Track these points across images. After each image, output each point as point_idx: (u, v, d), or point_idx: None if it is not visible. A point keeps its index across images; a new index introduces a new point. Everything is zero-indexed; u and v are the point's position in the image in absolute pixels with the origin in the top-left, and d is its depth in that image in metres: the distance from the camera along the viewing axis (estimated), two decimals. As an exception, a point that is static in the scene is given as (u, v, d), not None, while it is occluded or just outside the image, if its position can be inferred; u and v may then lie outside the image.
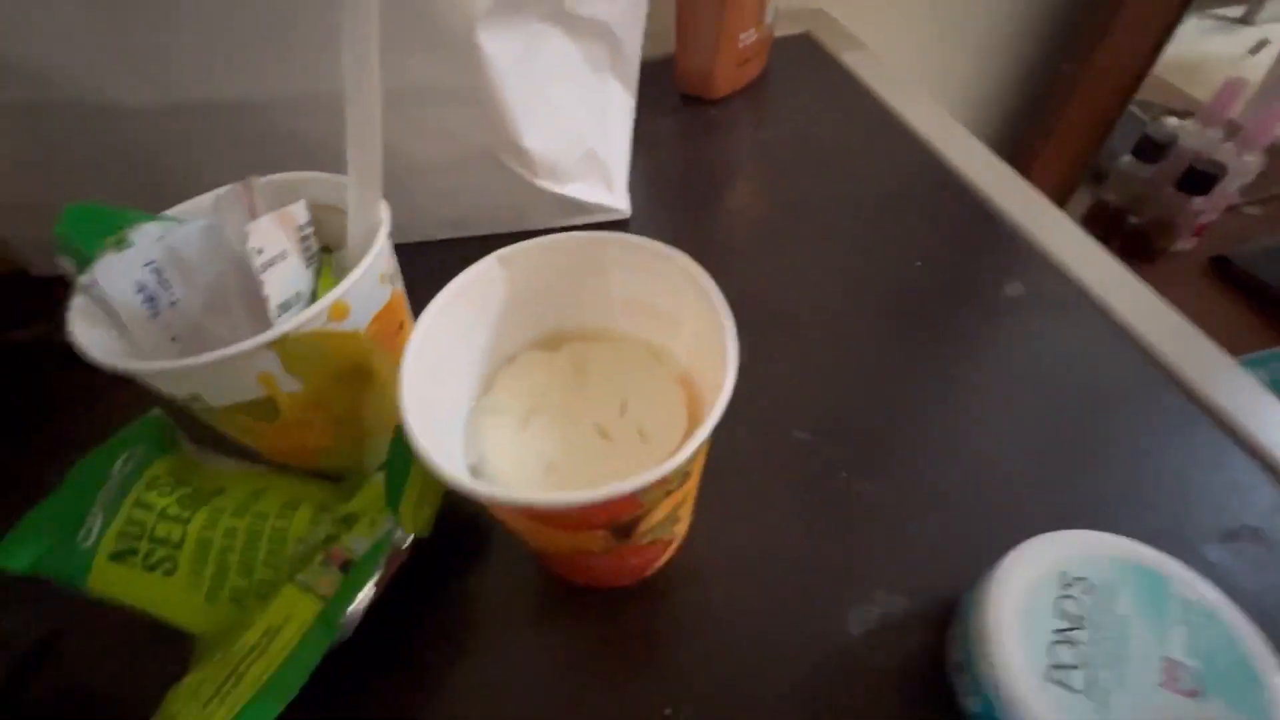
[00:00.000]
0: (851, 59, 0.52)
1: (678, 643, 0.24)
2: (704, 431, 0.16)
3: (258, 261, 0.21)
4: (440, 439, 0.19)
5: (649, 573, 0.25)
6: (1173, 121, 0.85)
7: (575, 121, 0.34)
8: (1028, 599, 0.20)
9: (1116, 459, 0.28)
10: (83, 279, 0.21)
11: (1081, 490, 0.27)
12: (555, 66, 0.31)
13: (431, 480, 0.24)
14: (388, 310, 0.24)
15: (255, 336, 0.19)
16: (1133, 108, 0.92)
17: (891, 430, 0.29)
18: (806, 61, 0.53)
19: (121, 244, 0.22)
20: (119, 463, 0.23)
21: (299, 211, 0.23)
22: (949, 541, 0.26)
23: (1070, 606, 0.20)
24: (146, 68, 0.28)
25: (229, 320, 0.25)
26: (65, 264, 0.21)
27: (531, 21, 0.29)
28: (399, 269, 0.25)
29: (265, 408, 0.22)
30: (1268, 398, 0.29)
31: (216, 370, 0.19)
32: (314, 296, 0.24)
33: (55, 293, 0.36)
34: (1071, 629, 0.19)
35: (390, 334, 0.24)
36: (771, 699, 0.22)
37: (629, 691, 0.23)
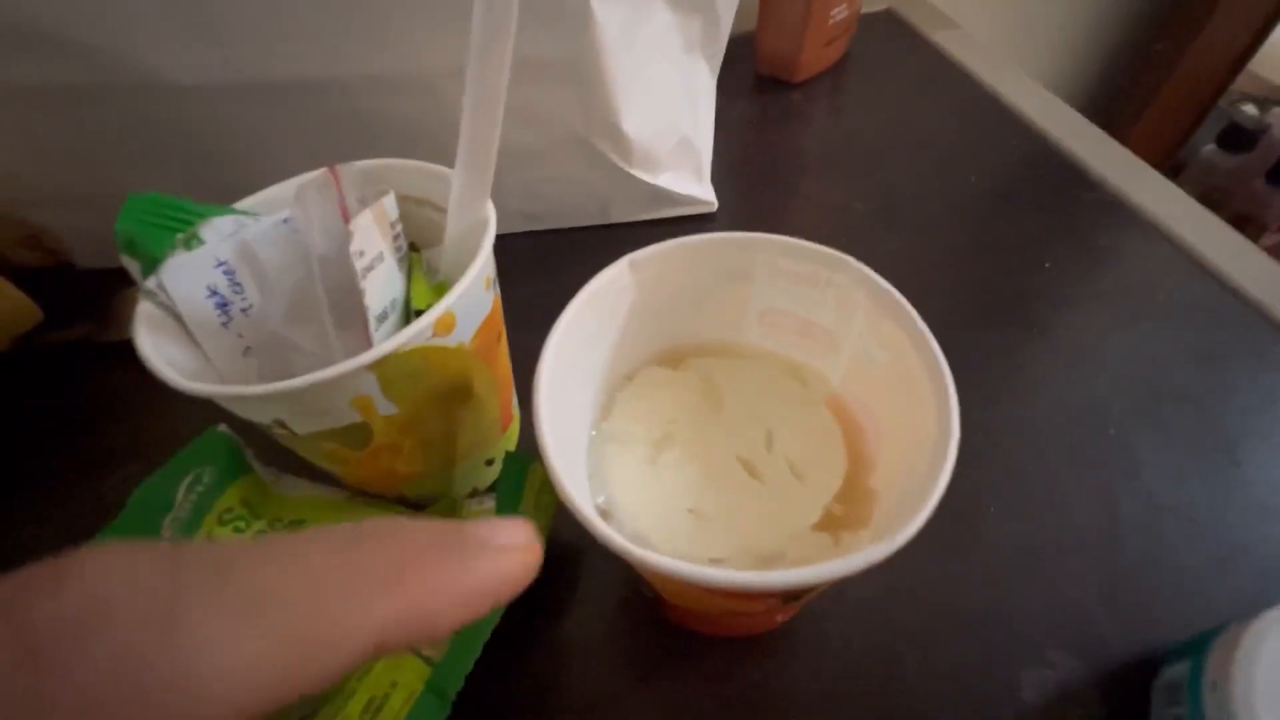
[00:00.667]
0: (941, 37, 0.48)
1: (805, 692, 0.21)
2: (928, 507, 0.13)
3: (359, 266, 0.18)
4: (570, 473, 0.16)
5: (776, 624, 0.22)
6: (1258, 110, 0.80)
7: (670, 105, 0.31)
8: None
9: None
10: (148, 283, 0.18)
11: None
12: (655, 42, 0.28)
13: (543, 509, 0.21)
14: (491, 320, 0.21)
15: (353, 357, 0.16)
16: (1214, 96, 0.87)
17: (1034, 461, 0.26)
18: (892, 41, 0.49)
19: (192, 241, 0.19)
20: (183, 487, 0.21)
21: (390, 206, 0.20)
22: (1135, 594, 0.22)
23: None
24: (205, 43, 0.25)
25: (312, 330, 0.22)
26: (129, 264, 0.18)
27: (638, -13, 0.25)
28: (496, 279, 0.22)
29: (357, 434, 0.19)
30: None
31: (308, 395, 0.16)
32: (406, 303, 0.21)
33: (102, 287, 0.33)
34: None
35: (491, 345, 0.21)
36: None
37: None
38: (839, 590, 0.22)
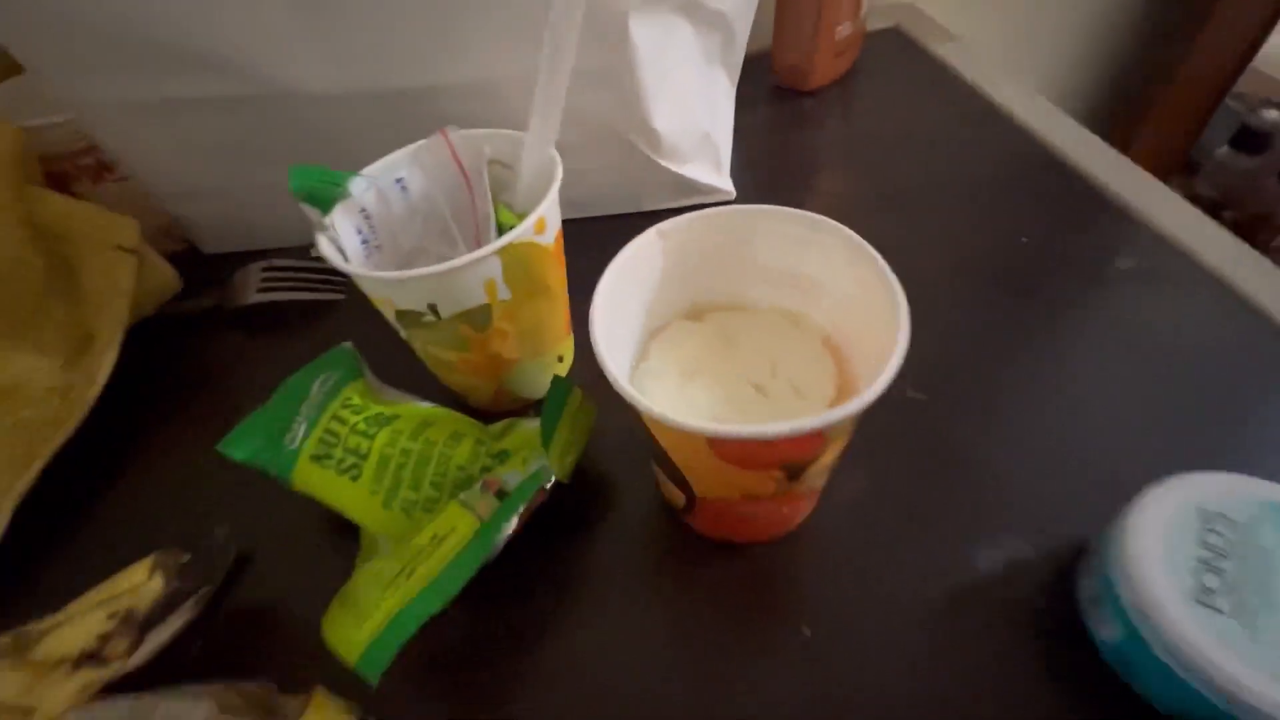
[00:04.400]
0: (944, 50, 0.53)
1: (813, 581, 0.26)
2: (889, 371, 0.18)
3: (473, 174, 0.26)
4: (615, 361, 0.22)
5: (794, 526, 0.27)
6: (1274, 113, 0.82)
7: (693, 106, 0.36)
8: (1168, 532, 0.21)
9: (1237, 415, 0.28)
10: (325, 220, 0.25)
11: (1206, 444, 0.27)
12: (681, 54, 0.34)
13: (579, 429, 0.26)
14: (560, 235, 0.28)
15: (490, 246, 0.23)
16: (1229, 100, 0.89)
17: (1006, 391, 0.31)
18: (898, 54, 0.54)
19: (345, 196, 0.26)
20: (317, 383, 0.27)
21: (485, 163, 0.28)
22: (1069, 492, 0.27)
23: (1212, 539, 0.21)
24: (331, 58, 0.32)
25: (447, 243, 0.29)
26: (309, 211, 0.25)
27: (667, 12, 0.31)
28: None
29: (482, 315, 0.25)
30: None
31: (455, 276, 0.23)
32: (498, 224, 0.27)
33: (224, 266, 0.41)
34: (1215, 558, 0.20)
35: (562, 254, 0.28)
36: (902, 625, 0.24)
37: (768, 619, 0.25)
38: (829, 493, 0.27)
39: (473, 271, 0.23)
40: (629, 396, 0.18)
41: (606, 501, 0.29)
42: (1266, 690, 0.18)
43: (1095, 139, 0.43)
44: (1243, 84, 0.89)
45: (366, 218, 0.27)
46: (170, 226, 0.43)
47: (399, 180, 0.28)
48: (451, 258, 0.23)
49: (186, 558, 0.25)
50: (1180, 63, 0.63)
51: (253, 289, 0.40)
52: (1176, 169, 0.75)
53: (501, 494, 0.23)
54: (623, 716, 0.23)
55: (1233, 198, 0.83)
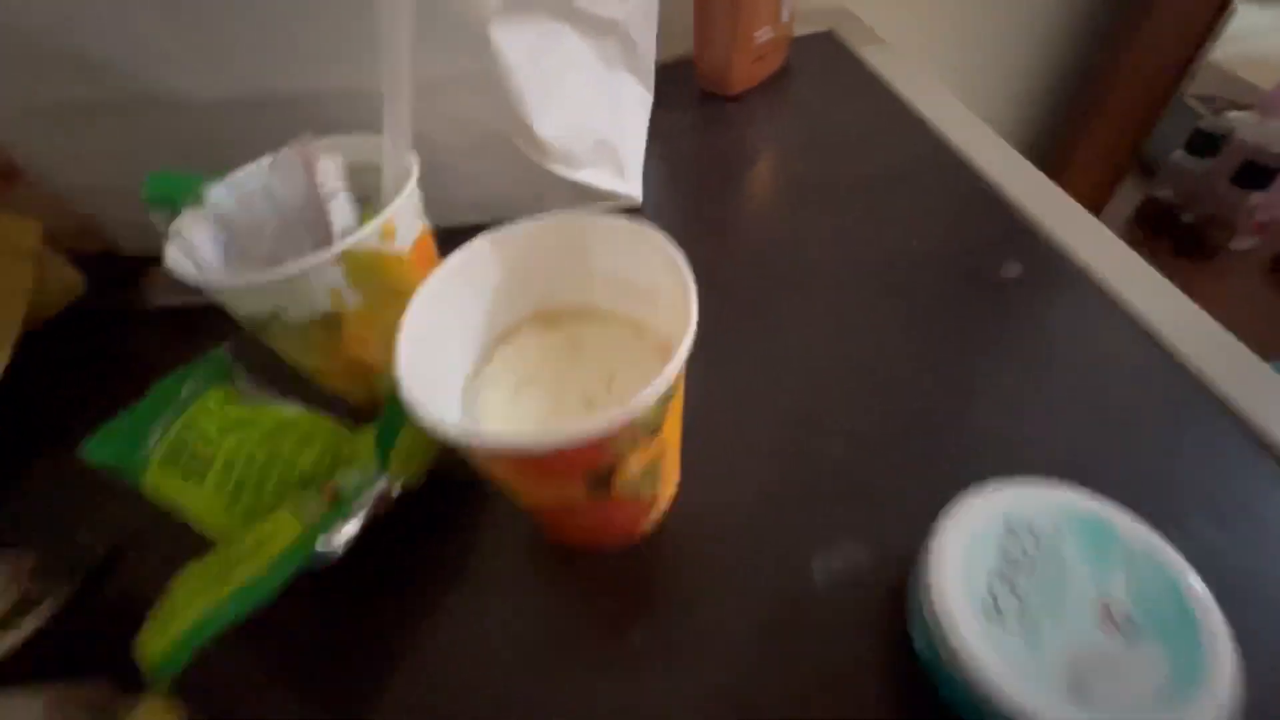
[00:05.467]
0: (870, 54, 0.53)
1: (653, 589, 0.26)
2: (663, 379, 0.18)
3: (324, 191, 0.25)
4: (434, 399, 0.22)
5: (637, 533, 0.27)
6: (1232, 114, 0.82)
7: (587, 112, 0.37)
8: (971, 543, 0.21)
9: (1104, 426, 0.28)
10: (173, 227, 0.25)
11: (1065, 451, 0.28)
12: (568, 60, 0.34)
13: (423, 435, 0.26)
14: (424, 240, 0.28)
15: (324, 250, 0.23)
16: (1191, 101, 0.89)
17: (875, 392, 0.31)
18: (827, 58, 0.54)
19: (198, 201, 0.26)
20: (185, 387, 0.27)
21: (339, 161, 0.28)
22: (929, 497, 0.27)
23: (1013, 550, 0.21)
24: (207, 64, 0.32)
25: (296, 252, 0.29)
26: (156, 218, 0.25)
27: (543, 19, 0.32)
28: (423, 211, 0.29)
29: (333, 322, 0.26)
30: (1267, 373, 0.29)
31: (294, 284, 0.23)
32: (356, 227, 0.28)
33: (142, 269, 0.41)
34: (1011, 570, 0.20)
35: (425, 262, 0.28)
36: (742, 638, 0.24)
37: (606, 624, 0.25)
38: (693, 511, 0.27)
39: (308, 279, 0.24)
40: (409, 407, 0.18)
41: (478, 505, 0.29)
42: (1044, 710, 0.18)
43: (1000, 141, 0.43)
44: (1213, 86, 0.88)
45: (227, 225, 0.27)
46: (91, 226, 0.44)
47: (262, 187, 0.28)
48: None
49: (34, 562, 0.26)
50: (1121, 65, 0.63)
51: (161, 290, 0.41)
52: (1129, 170, 0.75)
53: (336, 499, 0.24)
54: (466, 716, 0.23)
55: (1189, 200, 0.83)
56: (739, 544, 0.27)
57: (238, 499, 0.25)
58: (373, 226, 0.24)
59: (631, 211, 0.42)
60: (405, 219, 0.26)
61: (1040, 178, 0.41)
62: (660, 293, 0.24)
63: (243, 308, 0.25)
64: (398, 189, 0.26)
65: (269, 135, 0.30)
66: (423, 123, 0.30)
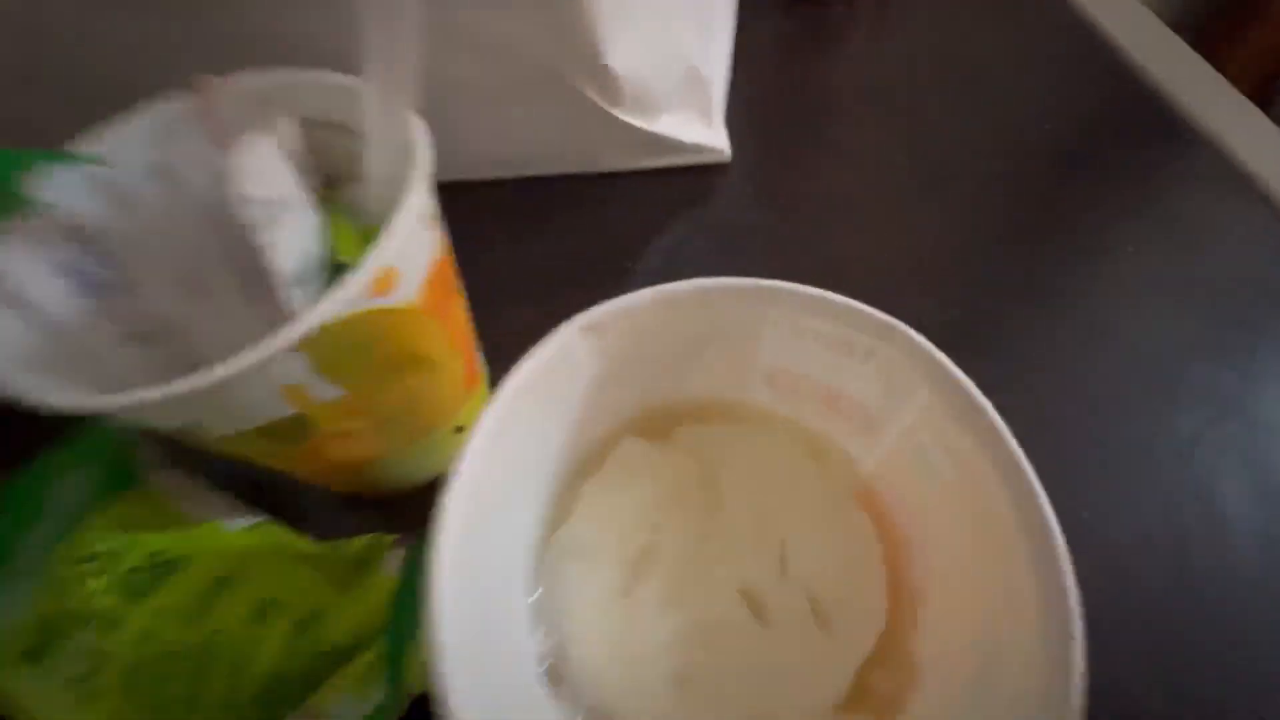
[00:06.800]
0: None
1: None
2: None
3: (254, 216, 0.13)
4: (490, 628, 0.12)
5: None
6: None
7: (672, 31, 0.24)
8: None
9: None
10: None
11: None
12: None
13: None
14: (440, 270, 0.16)
15: (272, 337, 0.12)
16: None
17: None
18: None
19: (28, 210, 0.14)
20: (53, 495, 0.17)
21: (290, 133, 0.15)
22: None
23: None
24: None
25: (212, 304, 0.18)
26: None
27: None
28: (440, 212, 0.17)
29: (293, 428, 0.15)
30: None
31: (221, 392, 0.12)
32: (330, 258, 0.16)
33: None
34: None
35: (444, 298, 0.17)
36: None
37: None
38: None
39: (242, 385, 0.13)
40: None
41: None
42: None
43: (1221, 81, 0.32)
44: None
45: (85, 243, 0.15)
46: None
47: (148, 166, 0.16)
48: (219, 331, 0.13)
49: None
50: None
51: None
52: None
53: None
54: None
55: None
56: None
57: (157, 727, 0.15)
58: (360, 284, 0.13)
59: (716, 169, 0.30)
60: (413, 245, 0.15)
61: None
62: (893, 426, 0.14)
63: (128, 423, 0.14)
64: (398, 177, 0.15)
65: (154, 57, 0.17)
66: (437, 52, 0.18)
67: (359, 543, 0.18)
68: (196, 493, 0.19)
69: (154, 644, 0.15)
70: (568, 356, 0.13)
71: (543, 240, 0.28)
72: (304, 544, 0.19)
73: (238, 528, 0.18)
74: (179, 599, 0.16)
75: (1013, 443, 0.10)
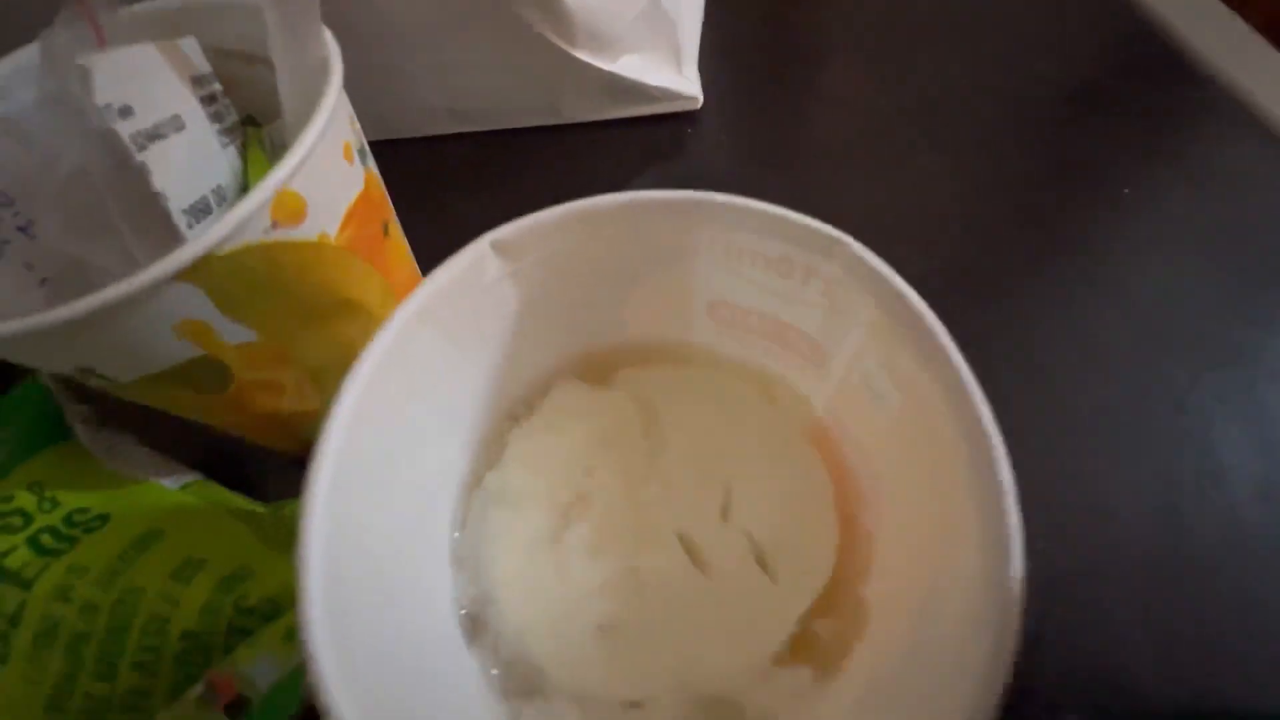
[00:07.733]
0: None
1: None
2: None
3: (126, 131, 0.12)
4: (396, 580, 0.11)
5: None
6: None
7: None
8: None
9: None
10: None
11: None
12: None
13: None
14: (364, 202, 0.15)
15: (156, 263, 0.11)
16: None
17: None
18: None
19: None
20: None
21: (192, 52, 0.14)
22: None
23: None
24: None
25: (117, 241, 0.16)
26: None
27: None
28: (368, 147, 0.16)
29: (206, 372, 0.14)
30: None
31: (103, 326, 0.12)
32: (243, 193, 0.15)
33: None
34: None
35: (374, 239, 0.16)
36: None
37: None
38: None
39: (125, 318, 0.12)
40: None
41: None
42: None
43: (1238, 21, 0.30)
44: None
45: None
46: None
47: (43, 95, 0.15)
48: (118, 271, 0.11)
49: None
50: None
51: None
52: None
53: (239, 709, 0.13)
54: None
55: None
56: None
57: (70, 689, 0.14)
58: (251, 205, 0.12)
59: (688, 117, 0.28)
60: (326, 174, 0.14)
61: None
62: (840, 357, 0.12)
63: (24, 362, 0.13)
64: (304, 106, 0.13)
65: None
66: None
67: (298, 503, 0.17)
68: (128, 451, 0.18)
69: (66, 600, 0.15)
70: (479, 278, 0.12)
71: (507, 195, 0.26)
72: (240, 501, 0.18)
73: (175, 487, 0.18)
74: (96, 557, 0.15)
75: (958, 358, 0.09)
